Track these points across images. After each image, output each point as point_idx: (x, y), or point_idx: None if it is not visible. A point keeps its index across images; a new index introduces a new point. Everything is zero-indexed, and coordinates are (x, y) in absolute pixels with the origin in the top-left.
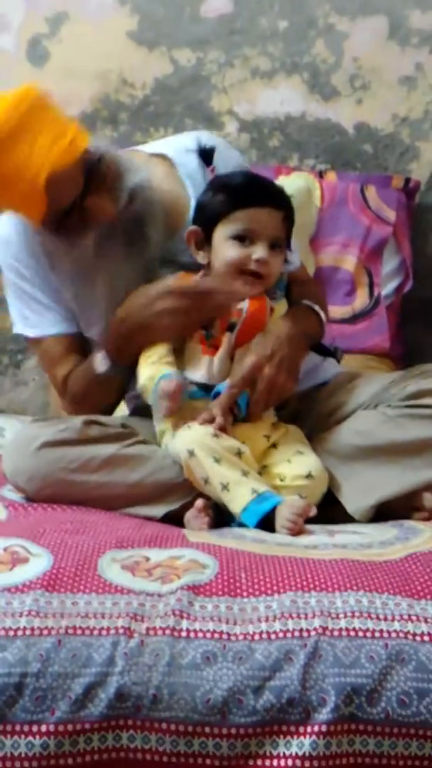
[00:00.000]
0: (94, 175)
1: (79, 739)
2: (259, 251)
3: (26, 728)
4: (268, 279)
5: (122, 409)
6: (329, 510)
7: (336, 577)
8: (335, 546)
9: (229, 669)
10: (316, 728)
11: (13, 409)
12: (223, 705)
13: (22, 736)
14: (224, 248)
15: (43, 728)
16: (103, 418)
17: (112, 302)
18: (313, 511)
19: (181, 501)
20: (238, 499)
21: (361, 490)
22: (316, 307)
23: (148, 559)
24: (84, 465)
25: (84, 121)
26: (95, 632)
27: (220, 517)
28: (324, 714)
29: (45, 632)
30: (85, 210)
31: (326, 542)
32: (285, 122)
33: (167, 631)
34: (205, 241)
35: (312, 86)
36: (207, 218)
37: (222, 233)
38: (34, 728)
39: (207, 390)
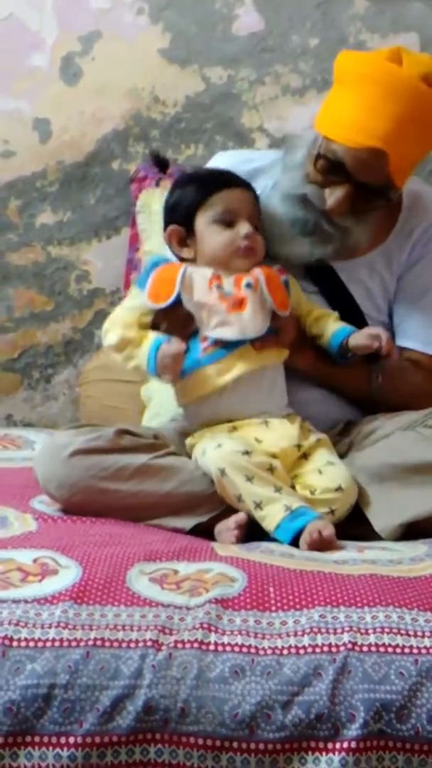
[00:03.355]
0: (378, 192)
1: (107, 752)
2: (244, 227)
3: (54, 740)
4: (260, 253)
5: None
6: (360, 528)
7: (365, 593)
8: (364, 561)
9: (257, 683)
10: (345, 744)
11: (44, 423)
12: (252, 720)
13: (50, 748)
14: (209, 234)
15: (71, 740)
16: (135, 429)
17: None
18: (331, 529)
19: (210, 513)
20: (271, 517)
21: (390, 509)
22: (378, 380)
23: (176, 572)
24: (116, 473)
25: (116, 137)
26: (123, 645)
27: (252, 530)
28: (353, 730)
29: (74, 644)
30: (346, 192)
31: (355, 557)
32: None
33: (195, 645)
34: (186, 236)
35: None
36: (184, 213)
37: (203, 221)
38: (62, 740)
39: (231, 346)
